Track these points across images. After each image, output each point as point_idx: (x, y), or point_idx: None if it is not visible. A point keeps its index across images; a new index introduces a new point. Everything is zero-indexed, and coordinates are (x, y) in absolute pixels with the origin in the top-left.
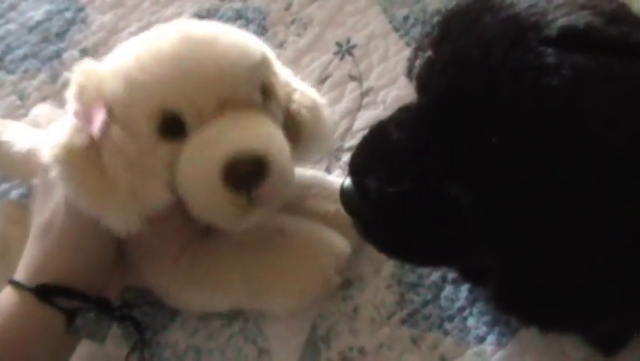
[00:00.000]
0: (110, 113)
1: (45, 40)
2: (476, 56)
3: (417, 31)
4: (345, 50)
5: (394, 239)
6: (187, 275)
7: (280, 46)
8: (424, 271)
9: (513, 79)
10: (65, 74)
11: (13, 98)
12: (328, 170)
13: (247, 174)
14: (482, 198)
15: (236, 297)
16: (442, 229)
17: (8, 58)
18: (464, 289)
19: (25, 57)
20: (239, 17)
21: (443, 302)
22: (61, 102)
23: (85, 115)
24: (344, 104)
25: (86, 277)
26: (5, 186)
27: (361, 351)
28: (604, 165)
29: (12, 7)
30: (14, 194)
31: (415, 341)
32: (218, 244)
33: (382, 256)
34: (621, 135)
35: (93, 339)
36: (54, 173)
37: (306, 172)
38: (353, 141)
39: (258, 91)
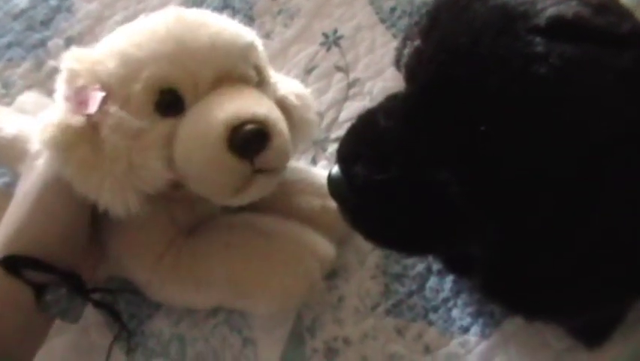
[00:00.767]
0: (107, 93)
1: (30, 28)
2: (465, 43)
3: (404, 23)
4: (331, 41)
5: (381, 226)
6: (170, 273)
7: (267, 36)
8: (409, 262)
9: (501, 67)
10: (50, 62)
11: None
12: (314, 161)
13: (251, 138)
14: (469, 185)
15: (219, 297)
16: (428, 217)
17: None
18: (449, 280)
19: (9, 45)
20: (225, 7)
21: (428, 293)
22: (45, 90)
23: (77, 98)
24: (330, 94)
25: (57, 251)
26: None
27: (346, 341)
28: (588, 154)
29: None
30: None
31: (399, 331)
32: (203, 243)
33: (367, 247)
34: (607, 124)
35: (64, 318)
36: (48, 154)
37: (290, 165)
38: (339, 132)
39: (252, 69)
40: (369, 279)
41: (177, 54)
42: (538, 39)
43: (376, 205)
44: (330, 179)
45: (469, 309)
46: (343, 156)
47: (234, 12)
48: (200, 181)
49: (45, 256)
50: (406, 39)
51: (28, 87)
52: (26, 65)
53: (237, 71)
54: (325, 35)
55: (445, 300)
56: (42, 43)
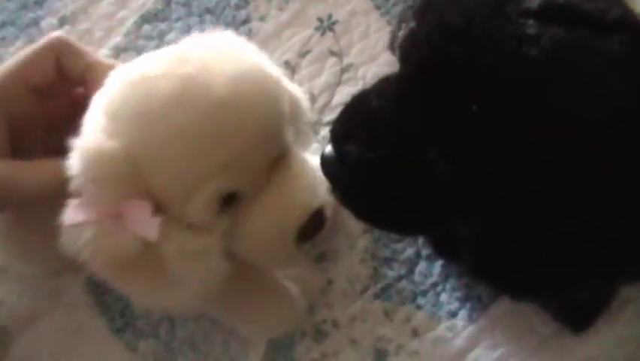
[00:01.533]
0: (155, 206)
1: (23, 7)
2: (458, 24)
3: (398, 9)
4: (326, 25)
5: (371, 205)
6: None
7: (261, 19)
8: (398, 246)
9: (493, 47)
10: None
11: None
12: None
13: (314, 229)
14: (458, 164)
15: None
16: (419, 196)
17: None
18: (438, 265)
19: (3, 24)
20: None
21: (417, 277)
22: None
23: (116, 209)
24: (323, 78)
25: None
26: None
27: (335, 324)
28: (577, 137)
29: None
30: None
31: (387, 314)
32: None
33: (357, 231)
34: (596, 109)
35: None
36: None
37: None
38: (332, 116)
39: (288, 130)
40: (359, 263)
41: (235, 158)
42: (530, 22)
43: (367, 184)
44: (323, 158)
45: (457, 294)
46: (336, 135)
47: None
48: (256, 260)
49: None
50: (400, 22)
51: None
52: (19, 44)
53: (285, 146)
54: (320, 20)
55: (434, 285)
56: (35, 22)
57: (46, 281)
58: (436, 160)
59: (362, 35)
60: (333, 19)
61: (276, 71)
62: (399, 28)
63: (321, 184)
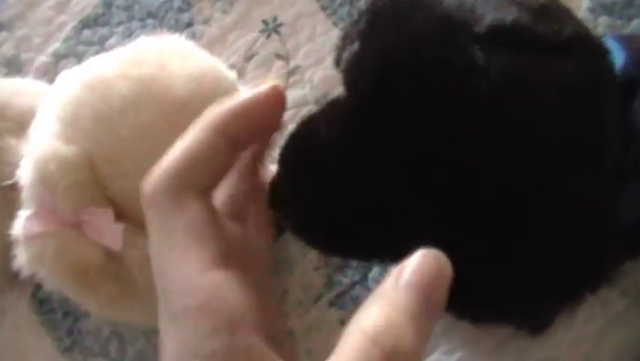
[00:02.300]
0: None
1: None
2: (406, 54)
3: (345, 10)
4: (271, 28)
5: (323, 235)
6: None
7: (205, 22)
8: None
9: (443, 81)
10: None
11: None
12: None
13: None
14: (413, 195)
15: None
16: (372, 224)
17: None
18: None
19: None
20: None
21: (370, 284)
22: None
23: (75, 218)
24: (270, 82)
25: None
26: None
27: (290, 334)
28: (531, 167)
29: None
30: None
31: (343, 322)
32: None
33: None
34: (549, 138)
35: None
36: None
37: None
38: None
39: None
40: (312, 270)
41: None
42: (478, 51)
43: (317, 216)
44: (272, 187)
45: None
46: (285, 164)
47: None
48: None
49: None
50: (344, 38)
51: None
52: None
53: None
54: (265, 22)
55: None
56: None
57: None
58: (390, 191)
59: (308, 37)
60: (279, 21)
61: (230, 73)
62: (344, 46)
63: None
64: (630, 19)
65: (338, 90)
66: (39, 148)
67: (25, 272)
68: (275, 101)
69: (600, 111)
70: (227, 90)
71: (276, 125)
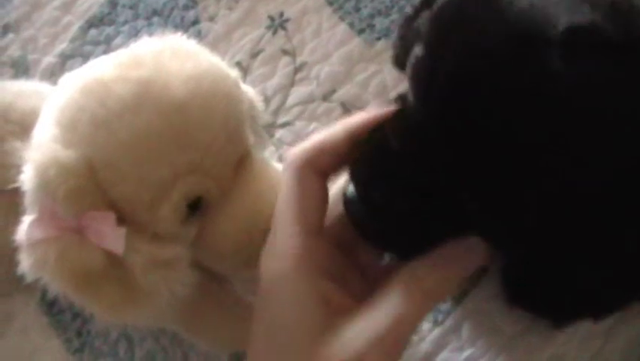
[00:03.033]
0: (118, 217)
1: None
2: (481, 72)
3: (351, 5)
4: (277, 24)
5: (404, 246)
6: None
7: (211, 20)
8: None
9: (519, 93)
10: None
11: None
12: None
13: None
14: (495, 209)
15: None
16: (451, 235)
17: None
18: None
19: None
20: None
21: None
22: None
23: (79, 223)
24: (277, 79)
25: None
26: None
27: None
28: (613, 178)
29: None
30: None
31: None
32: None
33: None
34: (631, 148)
35: None
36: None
37: None
38: (286, 117)
39: (249, 131)
40: None
41: (200, 159)
42: (554, 59)
43: (396, 229)
44: (347, 199)
45: None
46: (357, 179)
47: None
48: (223, 264)
49: None
50: (401, 38)
51: None
52: None
53: (247, 147)
54: (271, 18)
55: None
56: None
57: None
58: (468, 203)
59: (315, 33)
60: (285, 16)
61: (232, 72)
62: (401, 46)
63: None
64: None
65: (345, 87)
66: (39, 153)
67: (29, 278)
68: None
69: None
70: (227, 90)
71: None
